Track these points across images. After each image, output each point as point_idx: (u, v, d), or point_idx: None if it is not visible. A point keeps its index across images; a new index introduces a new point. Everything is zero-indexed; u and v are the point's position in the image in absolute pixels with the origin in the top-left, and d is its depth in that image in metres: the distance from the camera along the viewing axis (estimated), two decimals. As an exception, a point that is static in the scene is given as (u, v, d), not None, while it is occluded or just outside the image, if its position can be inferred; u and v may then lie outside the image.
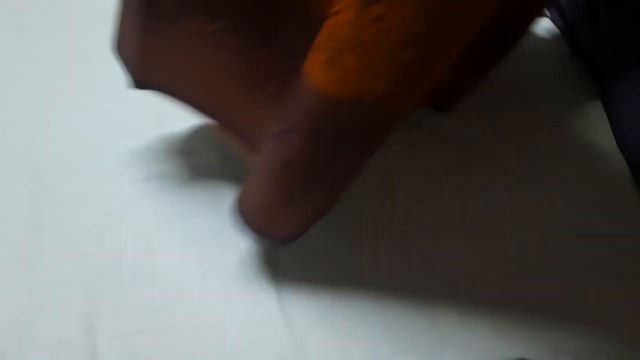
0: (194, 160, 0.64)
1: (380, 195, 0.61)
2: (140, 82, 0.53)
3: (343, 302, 0.52)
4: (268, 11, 0.39)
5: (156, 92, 0.54)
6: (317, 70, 0.37)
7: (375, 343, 0.50)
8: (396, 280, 0.54)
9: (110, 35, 0.54)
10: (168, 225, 0.58)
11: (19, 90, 0.70)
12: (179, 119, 0.68)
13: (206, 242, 0.57)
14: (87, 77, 0.73)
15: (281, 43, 0.40)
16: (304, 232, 0.49)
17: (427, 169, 0.64)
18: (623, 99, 0.67)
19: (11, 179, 0.61)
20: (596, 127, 0.71)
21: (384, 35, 0.33)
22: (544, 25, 0.83)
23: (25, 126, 0.66)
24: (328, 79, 0.36)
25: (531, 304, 0.52)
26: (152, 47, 0.47)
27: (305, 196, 0.44)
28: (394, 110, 0.39)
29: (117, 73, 0.73)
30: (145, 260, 0.55)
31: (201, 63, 0.46)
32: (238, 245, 0.56)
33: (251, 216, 0.49)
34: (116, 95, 0.70)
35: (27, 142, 0.65)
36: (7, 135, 0.65)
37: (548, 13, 0.83)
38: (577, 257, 0.57)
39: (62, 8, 0.80)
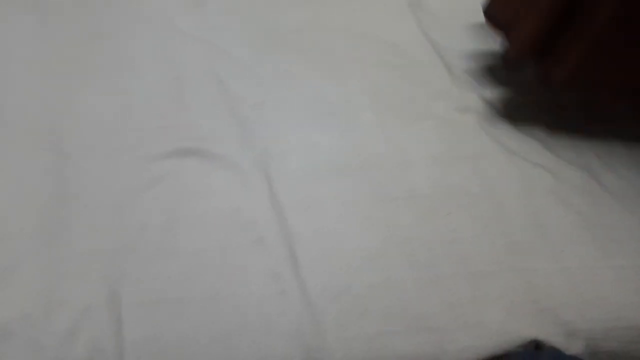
0: (215, 144, 0.65)
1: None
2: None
3: (359, 281, 0.53)
4: None
5: None
6: None
7: (390, 320, 0.51)
8: (409, 260, 0.55)
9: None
10: (189, 201, 0.59)
11: (45, 67, 0.71)
12: (199, 96, 0.69)
13: (226, 219, 0.58)
14: (111, 56, 0.74)
15: None
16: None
17: None
18: None
19: (36, 152, 0.63)
20: None
21: None
22: None
23: (51, 103, 0.68)
24: None
25: (545, 287, 0.53)
26: None
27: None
28: None
29: (138, 53, 0.75)
30: (167, 234, 0.56)
31: None
32: (256, 224, 0.58)
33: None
34: (138, 73, 0.72)
35: (52, 118, 0.66)
36: (33, 111, 0.67)
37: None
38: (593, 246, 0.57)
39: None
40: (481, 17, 0.80)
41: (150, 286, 0.52)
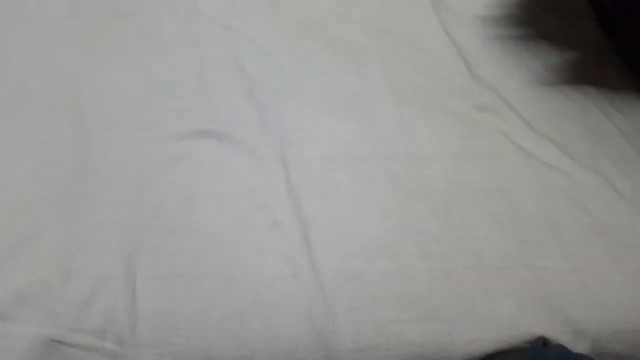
0: (234, 128, 0.65)
1: None
2: None
3: (372, 268, 0.54)
4: None
5: None
6: None
7: (400, 308, 0.52)
8: (423, 251, 0.55)
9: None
10: (207, 181, 0.60)
11: (71, 42, 0.72)
12: (220, 80, 0.70)
13: (242, 201, 0.59)
14: (135, 36, 0.75)
15: None
16: None
17: None
18: None
19: (58, 124, 0.64)
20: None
21: None
22: None
23: (75, 76, 0.69)
24: None
25: (555, 285, 0.54)
26: None
27: None
28: None
29: (162, 34, 0.75)
30: (184, 212, 0.57)
31: None
32: (272, 207, 0.58)
33: None
34: (161, 54, 0.73)
35: (75, 92, 0.67)
36: (57, 83, 0.68)
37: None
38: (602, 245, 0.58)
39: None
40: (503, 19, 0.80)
41: (166, 261, 0.53)
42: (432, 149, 0.64)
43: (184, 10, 0.78)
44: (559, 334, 0.51)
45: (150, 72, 0.70)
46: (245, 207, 0.58)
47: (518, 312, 0.52)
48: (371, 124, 0.67)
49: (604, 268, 0.56)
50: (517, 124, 0.68)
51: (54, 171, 0.59)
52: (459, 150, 0.65)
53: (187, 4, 0.79)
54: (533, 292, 0.53)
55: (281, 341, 0.49)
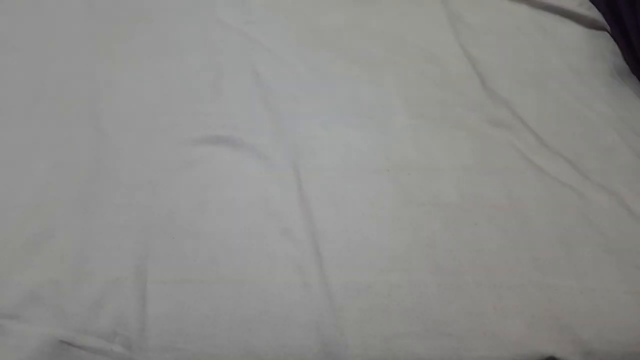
0: (248, 135, 0.65)
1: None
2: None
3: (382, 280, 0.54)
4: None
5: None
6: None
7: (409, 322, 0.51)
8: (433, 265, 0.55)
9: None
10: (219, 187, 0.61)
11: (89, 44, 0.73)
12: (235, 86, 0.71)
13: (254, 207, 0.59)
14: (152, 40, 0.76)
15: None
16: None
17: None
18: None
19: (75, 125, 0.65)
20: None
21: None
22: None
23: (91, 79, 0.70)
24: None
25: (566, 305, 0.53)
26: None
27: None
28: None
29: (179, 39, 0.76)
30: (196, 217, 0.57)
31: None
32: (283, 215, 0.58)
33: None
34: (177, 59, 0.74)
35: (92, 94, 0.68)
36: (75, 85, 0.68)
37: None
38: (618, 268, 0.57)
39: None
40: (519, 34, 0.80)
41: (176, 265, 0.53)
42: (445, 163, 0.64)
43: (201, 16, 0.79)
44: (569, 355, 0.51)
45: (166, 76, 0.71)
46: (257, 214, 0.59)
47: (528, 330, 0.51)
48: (384, 135, 0.67)
49: (615, 289, 0.56)
50: (531, 140, 0.68)
51: (69, 172, 0.60)
52: (472, 164, 0.64)
53: (204, 11, 0.80)
54: (544, 311, 0.52)
55: (289, 351, 0.49)
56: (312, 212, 0.59)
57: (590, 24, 0.85)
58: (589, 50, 0.82)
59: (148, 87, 0.69)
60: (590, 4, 0.88)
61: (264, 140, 0.65)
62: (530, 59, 0.79)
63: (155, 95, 0.68)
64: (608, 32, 0.85)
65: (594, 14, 0.86)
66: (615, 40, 0.83)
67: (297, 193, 0.60)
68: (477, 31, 0.81)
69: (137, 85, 0.69)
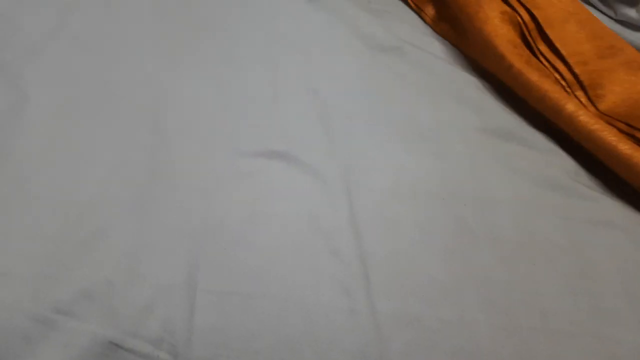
0: (302, 150, 0.65)
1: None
2: None
3: (431, 313, 0.52)
4: None
5: None
6: None
7: (458, 359, 0.50)
8: (486, 303, 0.53)
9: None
10: (271, 200, 0.61)
11: (155, 51, 0.75)
12: (292, 103, 0.71)
13: (304, 224, 0.59)
14: (215, 49, 0.77)
15: None
16: None
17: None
18: None
19: (136, 128, 0.66)
20: None
21: None
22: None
23: (156, 84, 0.71)
24: None
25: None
26: None
27: None
28: None
29: (241, 51, 0.77)
30: (247, 228, 0.58)
31: None
32: (332, 235, 0.58)
33: None
34: (239, 71, 0.74)
35: (155, 99, 0.69)
36: (139, 88, 0.70)
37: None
38: None
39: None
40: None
41: (226, 276, 0.54)
42: (504, 195, 0.62)
43: (263, 30, 0.79)
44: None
45: (227, 87, 0.72)
46: (306, 231, 0.58)
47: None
48: (441, 160, 0.66)
49: (682, 346, 0.52)
50: (592, 182, 0.65)
51: (128, 172, 0.61)
52: (531, 199, 0.62)
53: (266, 25, 0.80)
54: (599, 352, 0.49)
55: (332, 377, 0.49)
56: (362, 233, 0.58)
57: None
58: None
59: (209, 96, 0.70)
60: None
61: (318, 158, 0.65)
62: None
63: (216, 105, 0.69)
64: None
65: None
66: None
67: (347, 213, 0.60)
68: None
69: (199, 94, 0.70)
